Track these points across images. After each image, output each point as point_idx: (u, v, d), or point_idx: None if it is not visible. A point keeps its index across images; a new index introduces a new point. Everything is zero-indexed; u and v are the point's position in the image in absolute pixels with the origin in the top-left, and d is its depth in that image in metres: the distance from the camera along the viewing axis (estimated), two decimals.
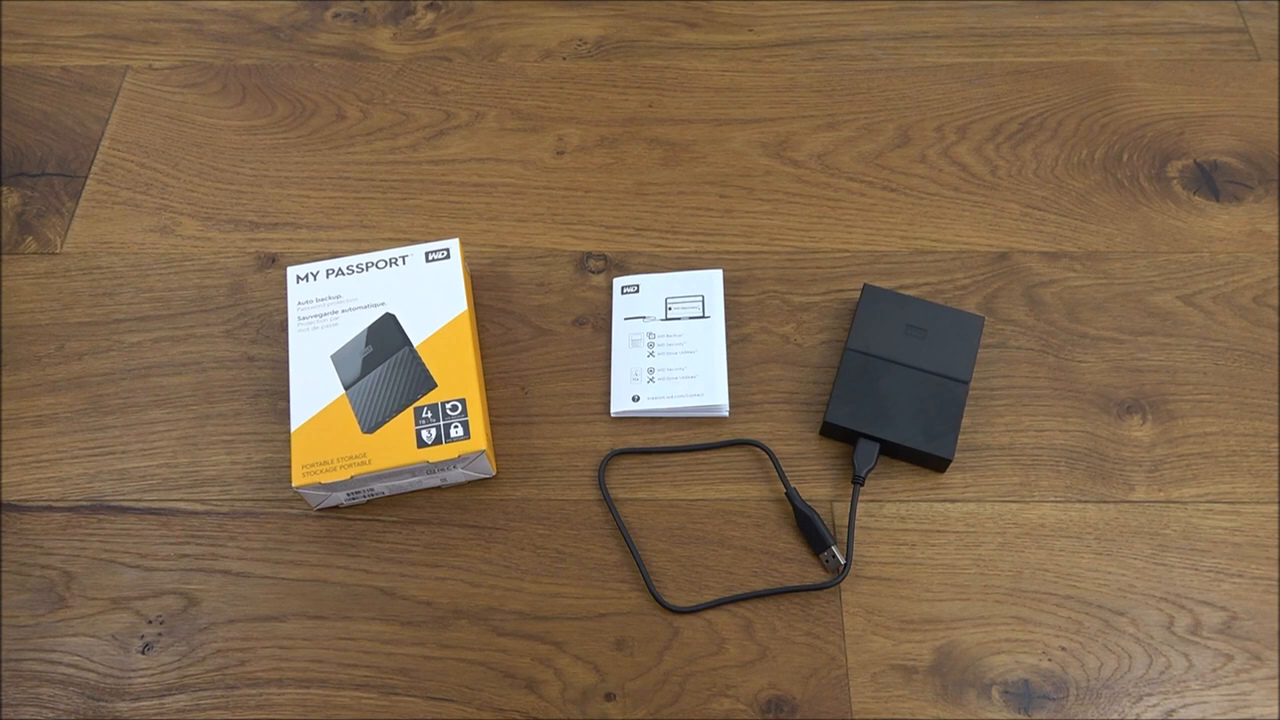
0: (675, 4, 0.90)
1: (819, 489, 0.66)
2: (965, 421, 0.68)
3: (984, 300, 0.73)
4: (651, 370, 0.69)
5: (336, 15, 0.90)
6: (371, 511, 0.66)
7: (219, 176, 0.80)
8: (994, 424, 0.68)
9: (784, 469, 0.66)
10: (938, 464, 0.65)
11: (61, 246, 0.77)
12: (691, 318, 0.71)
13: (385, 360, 0.66)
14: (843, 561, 0.62)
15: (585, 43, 0.87)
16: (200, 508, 0.66)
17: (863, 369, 0.67)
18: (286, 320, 0.71)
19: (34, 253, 0.77)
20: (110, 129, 0.83)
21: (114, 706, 0.60)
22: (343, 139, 0.82)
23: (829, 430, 0.67)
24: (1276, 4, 0.88)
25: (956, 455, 0.67)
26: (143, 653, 0.61)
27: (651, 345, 0.70)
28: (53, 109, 0.84)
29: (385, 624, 0.62)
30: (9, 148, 0.82)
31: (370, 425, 0.63)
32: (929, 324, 0.68)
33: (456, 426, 0.63)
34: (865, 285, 0.70)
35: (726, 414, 0.68)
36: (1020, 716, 0.59)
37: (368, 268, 0.70)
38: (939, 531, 0.64)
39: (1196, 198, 0.77)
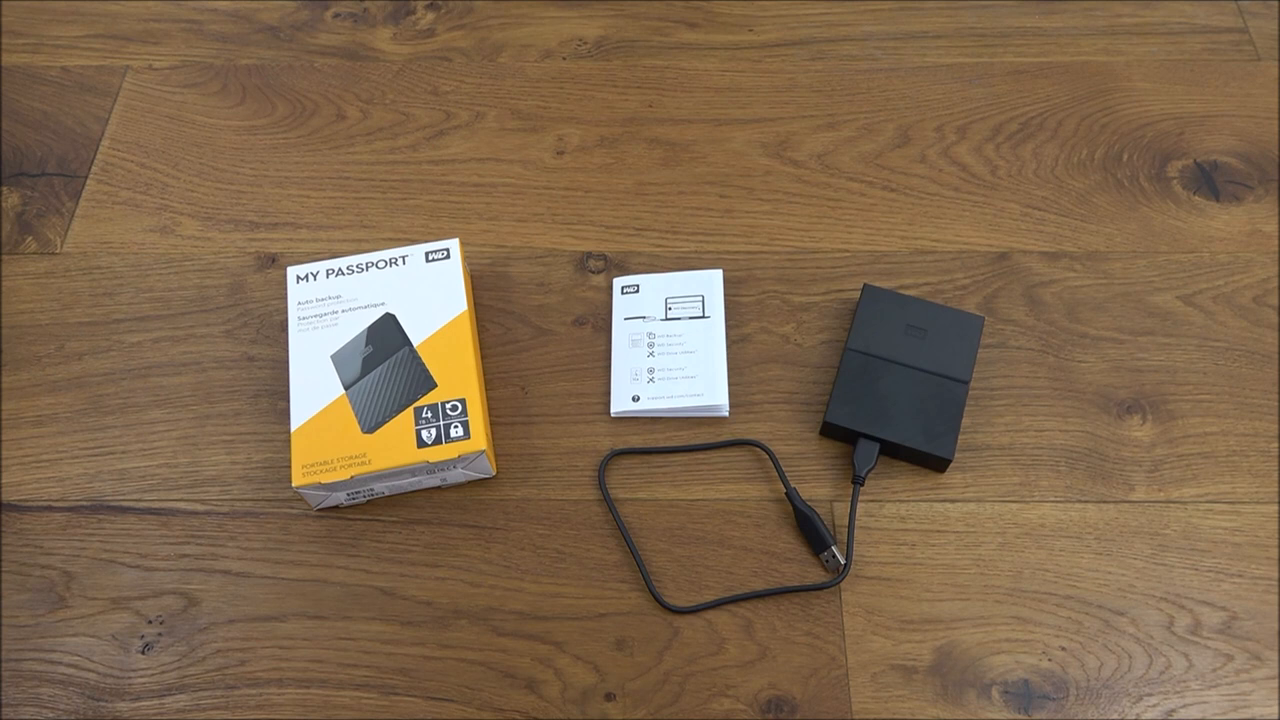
0: (675, 4, 0.90)
1: (819, 489, 0.66)
2: (965, 421, 0.68)
3: (984, 300, 0.73)
4: (651, 370, 0.69)
5: (336, 15, 0.90)
6: (371, 511, 0.66)
7: (219, 176, 0.80)
8: (994, 424, 0.68)
9: (784, 469, 0.66)
10: (938, 464, 0.65)
11: (61, 246, 0.77)
12: (691, 318, 0.71)
13: (385, 360, 0.66)
14: (843, 561, 0.62)
15: (585, 43, 0.87)
16: (200, 508, 0.66)
17: (863, 369, 0.67)
18: (286, 320, 0.71)
19: (34, 253, 0.77)
20: (110, 129, 0.83)
21: (114, 706, 0.60)
22: (343, 139, 0.82)
23: (829, 430, 0.67)
24: (1276, 4, 0.88)
25: (956, 455, 0.67)
26: (143, 653, 0.61)
27: (651, 345, 0.70)
28: (53, 109, 0.84)
29: (385, 624, 0.62)
30: (9, 148, 0.82)
31: (370, 425, 0.63)
32: (929, 324, 0.68)
33: (456, 426, 0.63)
34: (865, 285, 0.70)
35: (726, 414, 0.68)
36: (1020, 716, 0.59)
37: (368, 268, 0.70)
38: (939, 531, 0.64)
39: (1196, 198, 0.77)
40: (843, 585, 0.63)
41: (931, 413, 0.65)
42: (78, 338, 0.73)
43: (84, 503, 0.66)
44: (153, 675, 0.61)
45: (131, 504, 0.66)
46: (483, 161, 0.81)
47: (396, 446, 0.62)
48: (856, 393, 0.66)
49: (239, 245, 0.77)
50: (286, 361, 0.71)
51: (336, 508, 0.66)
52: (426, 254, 0.70)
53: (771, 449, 0.67)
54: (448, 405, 0.64)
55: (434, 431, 0.63)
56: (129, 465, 0.67)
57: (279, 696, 0.60)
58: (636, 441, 0.68)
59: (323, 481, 0.62)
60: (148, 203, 0.79)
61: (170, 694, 0.60)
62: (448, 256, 0.70)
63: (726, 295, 0.73)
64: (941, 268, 0.74)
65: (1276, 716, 0.58)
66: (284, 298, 0.74)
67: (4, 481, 0.67)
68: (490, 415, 0.69)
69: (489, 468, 0.65)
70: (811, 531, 0.63)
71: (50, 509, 0.66)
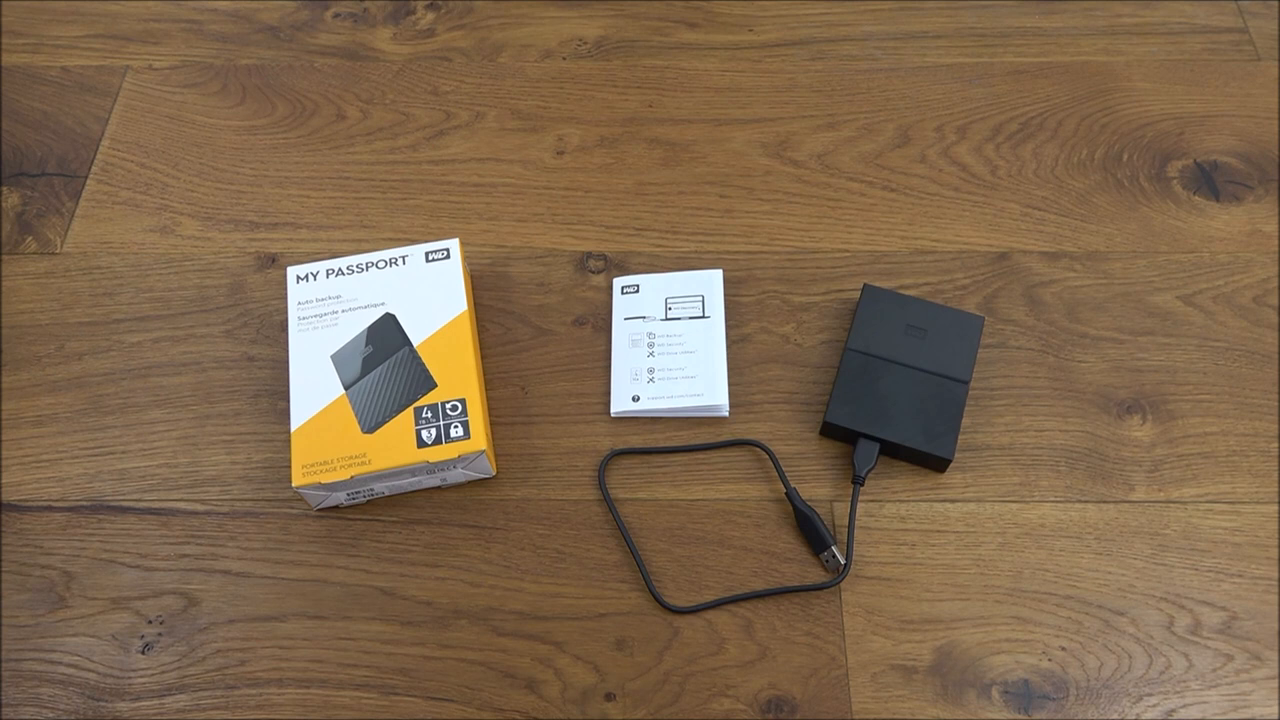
0: (675, 4, 0.90)
1: (819, 489, 0.66)
2: (965, 421, 0.68)
3: (984, 300, 0.73)
4: (651, 370, 0.69)
5: (336, 15, 0.90)
6: (371, 511, 0.66)
7: (219, 176, 0.80)
8: (994, 424, 0.68)
9: (784, 469, 0.66)
10: (938, 464, 0.65)
11: (61, 246, 0.77)
12: (691, 318, 0.71)
13: (385, 360, 0.66)
14: (843, 561, 0.62)
15: (585, 43, 0.87)
16: (200, 508, 0.66)
17: (863, 369, 0.67)
18: (286, 320, 0.71)
19: (34, 253, 0.77)
20: (110, 129, 0.83)
21: (114, 706, 0.60)
22: (343, 139, 0.82)
23: (829, 430, 0.67)
24: (1276, 4, 0.88)
25: (956, 455, 0.67)
26: (143, 653, 0.61)
27: (651, 345, 0.70)
28: (53, 109, 0.84)
29: (385, 624, 0.62)
30: (9, 148, 0.82)
31: (370, 425, 0.63)
32: (929, 324, 0.68)
33: (456, 426, 0.63)
34: (865, 285, 0.70)
35: (726, 414, 0.68)
36: (1020, 716, 0.59)
37: (368, 268, 0.70)
38: (939, 531, 0.64)
39: (1196, 198, 0.77)
40: (843, 585, 0.63)
41: (931, 413, 0.65)
42: (78, 338, 0.73)
43: (84, 503, 0.66)
44: (153, 675, 0.61)
45: (131, 504, 0.66)
46: (483, 161, 0.81)
47: (396, 446, 0.62)
48: (856, 393, 0.66)
49: (239, 245, 0.77)
50: (286, 361, 0.71)
51: (336, 508, 0.66)
52: (426, 254, 0.70)
53: (771, 449, 0.67)
54: (448, 405, 0.64)
55: (434, 431, 0.63)
56: (129, 465, 0.67)
57: (279, 696, 0.60)
58: (636, 441, 0.68)
59: (323, 481, 0.62)
60: (148, 203, 0.79)
61: (170, 694, 0.60)
62: (448, 256, 0.70)
63: (726, 295, 0.73)
64: (941, 268, 0.74)
65: (1276, 716, 0.58)
66: (284, 298, 0.74)
67: (4, 481, 0.67)
68: (490, 415, 0.69)
69: (489, 468, 0.65)
70: (811, 531, 0.63)
71: (50, 509, 0.66)
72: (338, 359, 0.66)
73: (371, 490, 0.65)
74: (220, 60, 0.87)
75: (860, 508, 0.65)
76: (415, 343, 0.66)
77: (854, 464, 0.65)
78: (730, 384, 0.70)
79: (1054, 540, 0.64)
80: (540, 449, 0.68)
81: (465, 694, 0.60)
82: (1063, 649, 0.60)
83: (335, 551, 0.64)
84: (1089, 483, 0.66)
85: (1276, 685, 0.59)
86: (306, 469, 0.62)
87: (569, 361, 0.71)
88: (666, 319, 0.71)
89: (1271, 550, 0.63)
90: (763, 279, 0.74)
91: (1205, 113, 0.82)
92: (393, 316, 0.68)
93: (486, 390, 0.70)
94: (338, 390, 0.65)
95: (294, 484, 0.62)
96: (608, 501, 0.65)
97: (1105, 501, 0.65)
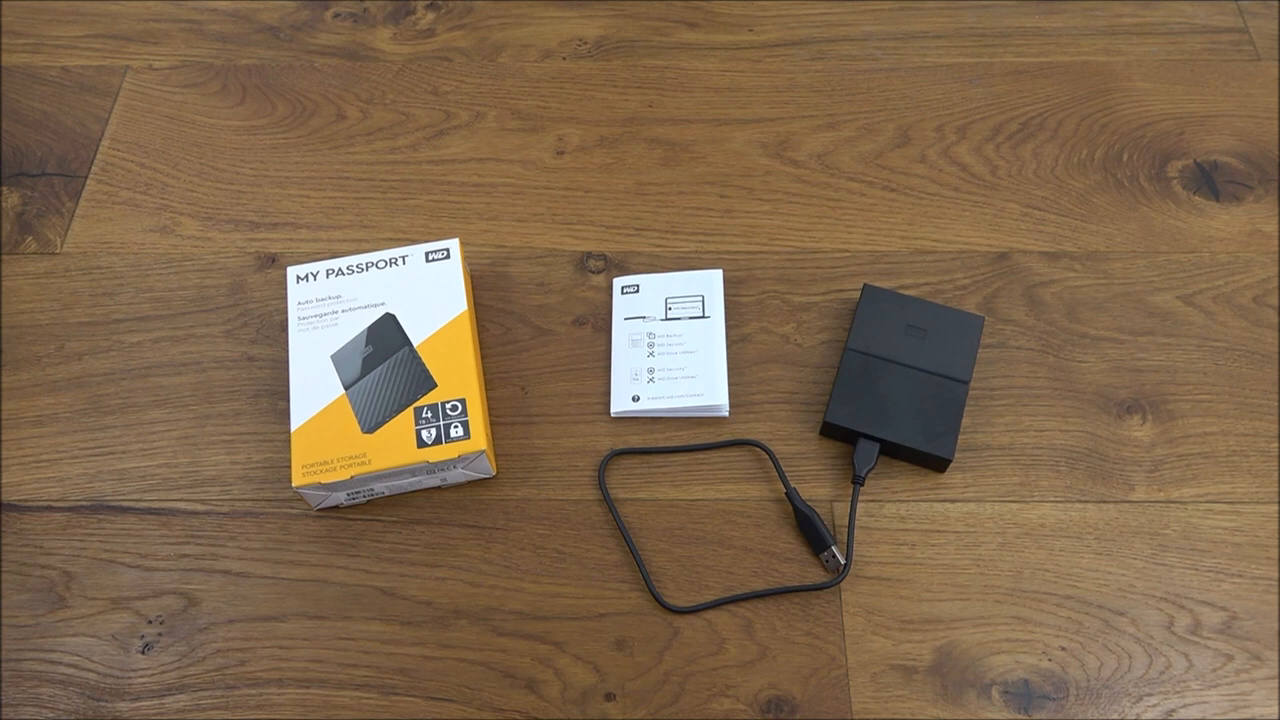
0: (675, 4, 0.90)
1: (819, 489, 0.66)
2: (965, 421, 0.68)
3: (984, 300, 0.73)
4: (651, 370, 0.69)
5: (336, 15, 0.90)
6: (371, 511, 0.66)
7: (219, 176, 0.80)
8: (994, 424, 0.68)
9: (784, 469, 0.66)
10: (938, 464, 0.65)
11: (61, 246, 0.77)
12: (691, 318, 0.71)
13: (385, 360, 0.66)
14: (843, 561, 0.62)
15: (585, 43, 0.87)
16: (200, 508, 0.66)
17: (863, 369, 0.67)
18: (286, 320, 0.71)
19: (34, 253, 0.77)
20: (110, 129, 0.83)
21: (114, 706, 0.60)
22: (343, 139, 0.82)
23: (829, 430, 0.67)
24: (1276, 4, 0.88)
25: (956, 455, 0.67)
26: (143, 653, 0.61)
27: (651, 345, 0.70)
28: (53, 109, 0.84)
29: (385, 624, 0.62)
30: (9, 148, 0.82)
31: (370, 425, 0.63)
32: (929, 324, 0.68)
33: (456, 426, 0.63)
34: (865, 285, 0.70)
35: (726, 414, 0.68)
36: (1020, 716, 0.59)
37: (368, 268, 0.70)
38: (939, 531, 0.64)
39: (1196, 198, 0.77)
40: (843, 585, 0.63)
41: (931, 413, 0.65)
42: (78, 338, 0.73)
43: (84, 503, 0.66)
44: (153, 675, 0.61)
45: (131, 504, 0.66)
46: (483, 161, 0.81)
47: (396, 446, 0.62)
48: (856, 393, 0.66)
49: (239, 245, 0.77)
50: (286, 361, 0.71)
51: (336, 508, 0.66)
52: (426, 254, 0.70)
53: (771, 449, 0.67)
54: (448, 405, 0.64)
55: (434, 431, 0.63)
56: (129, 465, 0.68)
57: (279, 696, 0.60)
58: (636, 441, 0.68)
59: (323, 481, 0.62)
60: (148, 203, 0.79)
61: (170, 694, 0.60)
62: (448, 256, 0.70)
63: (726, 295, 0.73)
64: (941, 268, 0.74)
65: (1276, 716, 0.58)
66: (284, 298, 0.74)
67: (4, 481, 0.67)
68: (490, 415, 0.69)
69: (489, 468, 0.65)
70: (811, 531, 0.63)
71: (50, 509, 0.66)
72: (338, 359, 0.66)
73: (371, 490, 0.65)
74: (220, 60, 0.87)
75: (860, 508, 0.65)
76: (415, 343, 0.66)
77: (854, 464, 0.65)
78: (730, 384, 0.70)
79: (1054, 540, 0.64)
80: (540, 449, 0.68)
81: (465, 694, 0.60)
82: (1063, 649, 0.60)
83: (335, 551, 0.64)
84: (1089, 483, 0.66)
85: (1276, 685, 0.59)
86: (306, 469, 0.62)
87: (569, 361, 0.71)
88: (666, 319, 0.71)
89: (1271, 550, 0.63)
90: (763, 279, 0.74)
91: (1205, 113, 0.82)
92: (393, 316, 0.68)
93: (486, 390, 0.70)
94: (338, 390, 0.65)
95: (294, 484, 0.62)
96: (608, 501, 0.65)
97: (1105, 501, 0.65)
